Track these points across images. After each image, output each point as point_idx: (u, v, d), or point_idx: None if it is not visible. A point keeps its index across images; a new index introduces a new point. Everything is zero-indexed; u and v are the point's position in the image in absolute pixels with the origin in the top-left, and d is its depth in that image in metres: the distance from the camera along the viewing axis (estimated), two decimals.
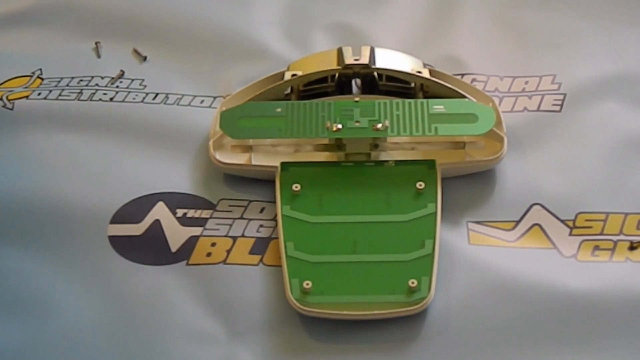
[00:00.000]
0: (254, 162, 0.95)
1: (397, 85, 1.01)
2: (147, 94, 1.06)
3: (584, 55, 1.12)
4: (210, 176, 0.96)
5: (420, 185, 0.90)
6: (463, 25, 1.18)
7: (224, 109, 0.98)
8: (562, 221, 0.91)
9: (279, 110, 0.95)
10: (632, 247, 0.89)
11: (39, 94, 1.06)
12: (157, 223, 0.91)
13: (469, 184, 0.94)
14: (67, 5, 1.18)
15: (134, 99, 1.06)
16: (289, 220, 0.89)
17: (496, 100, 1.01)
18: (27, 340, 0.81)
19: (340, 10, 1.21)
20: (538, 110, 1.02)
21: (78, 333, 0.82)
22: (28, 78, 1.10)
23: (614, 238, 0.90)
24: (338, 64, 1.00)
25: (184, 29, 1.15)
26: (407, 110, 0.94)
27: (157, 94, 1.06)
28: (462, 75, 1.06)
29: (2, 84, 1.09)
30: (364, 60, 1.00)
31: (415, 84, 1.01)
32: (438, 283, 0.83)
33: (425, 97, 0.99)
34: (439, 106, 0.94)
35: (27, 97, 1.06)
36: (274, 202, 0.92)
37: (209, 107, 1.04)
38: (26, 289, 0.85)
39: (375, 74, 1.01)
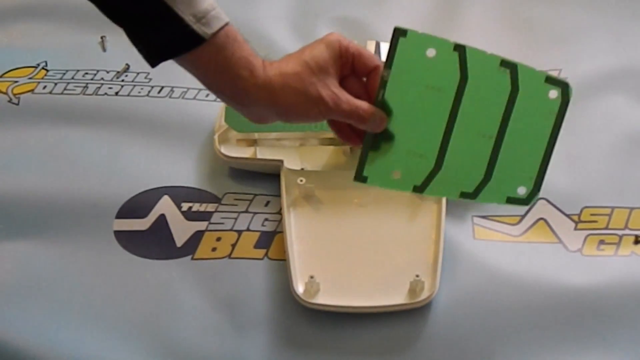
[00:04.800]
0: (259, 156, 0.95)
1: None
2: (152, 87, 1.06)
3: (589, 50, 1.12)
4: (216, 170, 0.97)
5: None
6: (469, 19, 1.18)
7: None
8: (568, 215, 0.91)
9: None
10: (637, 241, 0.89)
11: (44, 87, 1.06)
12: (162, 218, 0.91)
13: None
14: None
15: (139, 92, 1.06)
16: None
17: None
18: (34, 332, 0.81)
19: (346, 5, 1.21)
20: None
21: (84, 326, 0.82)
22: (33, 69, 1.10)
23: (619, 232, 0.90)
24: None
25: None
26: None
27: (162, 88, 1.06)
28: None
29: (6, 73, 1.09)
30: None
31: None
32: (443, 277, 0.83)
33: None
34: None
35: (32, 90, 1.06)
36: (279, 195, 0.92)
37: (214, 100, 1.04)
38: (31, 283, 0.85)
39: None
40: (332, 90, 0.75)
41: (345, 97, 0.76)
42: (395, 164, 0.79)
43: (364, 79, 0.79)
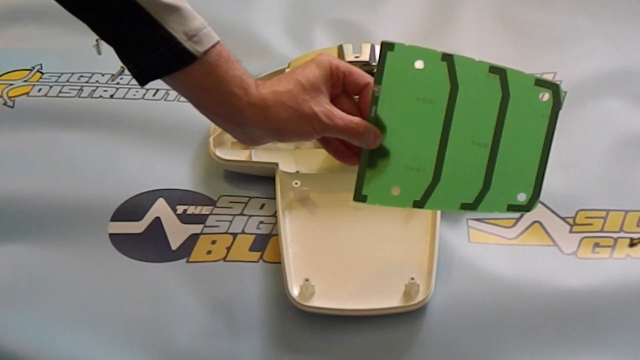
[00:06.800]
0: (254, 159, 0.95)
1: None
2: (147, 90, 1.06)
3: (584, 53, 1.12)
4: (211, 173, 0.97)
5: None
6: (463, 22, 1.18)
7: None
8: (563, 218, 0.92)
9: None
10: (632, 244, 0.89)
11: (39, 90, 1.06)
12: (157, 221, 0.91)
13: None
14: None
15: (134, 95, 1.06)
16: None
17: None
18: (28, 335, 0.81)
19: (341, 8, 1.21)
20: None
21: (79, 328, 0.82)
22: (28, 72, 1.10)
23: (614, 235, 0.90)
24: None
25: None
26: None
27: (157, 90, 1.07)
28: None
29: (1, 76, 1.09)
30: (365, 57, 1.00)
31: None
32: (438, 281, 0.83)
33: None
34: None
35: (27, 93, 1.06)
36: (274, 198, 0.92)
37: None
38: (26, 285, 0.85)
39: None
40: (324, 106, 0.76)
41: (338, 112, 0.76)
42: (393, 180, 0.79)
43: (356, 98, 0.79)
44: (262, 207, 0.93)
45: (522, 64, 1.03)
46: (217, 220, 0.92)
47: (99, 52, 1.13)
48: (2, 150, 0.99)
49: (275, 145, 0.97)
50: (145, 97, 1.06)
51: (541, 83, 0.78)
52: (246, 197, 0.94)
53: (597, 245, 0.89)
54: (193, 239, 0.90)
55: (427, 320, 0.82)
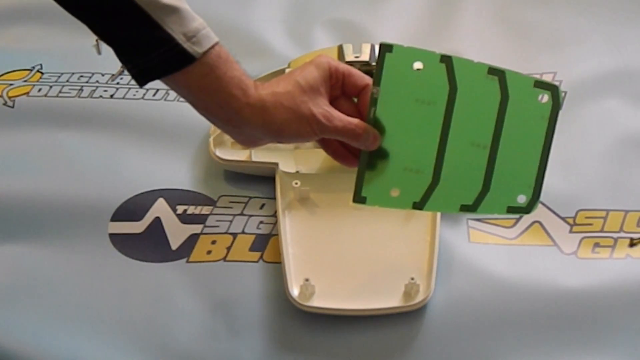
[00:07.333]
0: (254, 159, 0.95)
1: None
2: (147, 90, 1.06)
3: (584, 53, 1.12)
4: (211, 173, 0.97)
5: None
6: (463, 22, 1.18)
7: None
8: (563, 218, 0.92)
9: None
10: (632, 244, 0.89)
11: (39, 90, 1.06)
12: (157, 221, 0.91)
13: None
14: None
15: (134, 95, 1.06)
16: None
17: None
18: (28, 335, 0.81)
19: (341, 8, 1.21)
20: None
21: (79, 328, 0.82)
22: (28, 72, 1.10)
23: (614, 235, 0.90)
24: None
25: None
26: None
27: (157, 90, 1.07)
28: None
29: (1, 76, 1.09)
30: (365, 57, 1.00)
31: None
32: (438, 281, 0.83)
33: None
34: None
35: (27, 93, 1.06)
36: (274, 198, 0.92)
37: None
38: (26, 285, 0.85)
39: None
40: (323, 108, 0.76)
41: (337, 114, 0.76)
42: (392, 182, 0.79)
43: (355, 100, 0.79)
44: (262, 207, 0.93)
45: (522, 64, 1.04)
46: (217, 220, 0.92)
47: (99, 52, 1.12)
48: (2, 150, 0.99)
49: (275, 145, 0.97)
50: (145, 97, 1.06)
51: (540, 84, 0.78)
52: (246, 197, 0.94)
53: (597, 245, 0.89)
54: (193, 239, 0.90)
55: (427, 320, 0.82)
